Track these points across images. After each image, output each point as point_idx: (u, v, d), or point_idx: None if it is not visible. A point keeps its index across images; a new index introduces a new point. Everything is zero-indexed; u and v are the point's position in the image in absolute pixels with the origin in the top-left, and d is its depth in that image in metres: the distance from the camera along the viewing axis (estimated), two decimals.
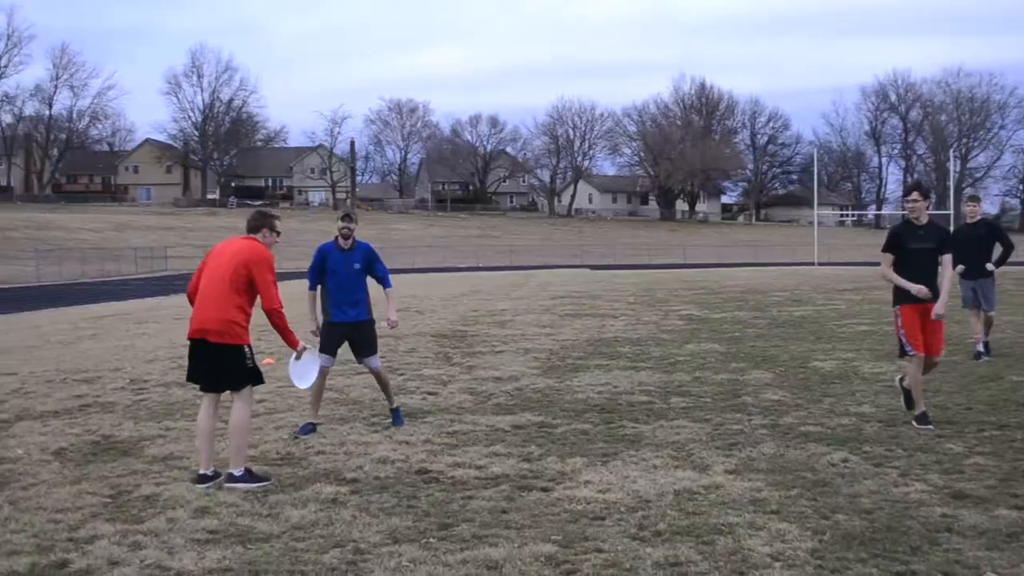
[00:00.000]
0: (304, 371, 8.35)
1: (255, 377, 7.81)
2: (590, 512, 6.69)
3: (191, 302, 7.95)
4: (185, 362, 8.29)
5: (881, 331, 18.08)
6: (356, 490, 7.38)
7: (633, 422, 9.92)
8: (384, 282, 10.22)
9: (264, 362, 14.87)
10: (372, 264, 10.05)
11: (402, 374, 13.74)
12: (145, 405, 11.50)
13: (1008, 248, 14.44)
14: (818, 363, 14.12)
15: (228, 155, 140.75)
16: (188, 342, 7.91)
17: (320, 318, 10.14)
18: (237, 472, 7.54)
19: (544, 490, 7.30)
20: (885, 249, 9.79)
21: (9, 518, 6.69)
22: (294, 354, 8.11)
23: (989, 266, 14.51)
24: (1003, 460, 7.99)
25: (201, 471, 7.66)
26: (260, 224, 7.98)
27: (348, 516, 6.64)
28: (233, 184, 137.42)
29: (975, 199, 15.76)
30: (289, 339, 7.96)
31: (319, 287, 10.08)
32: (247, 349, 7.74)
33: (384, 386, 10.36)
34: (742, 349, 15.99)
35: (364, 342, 10.03)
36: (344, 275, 9.86)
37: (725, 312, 23.79)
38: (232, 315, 7.62)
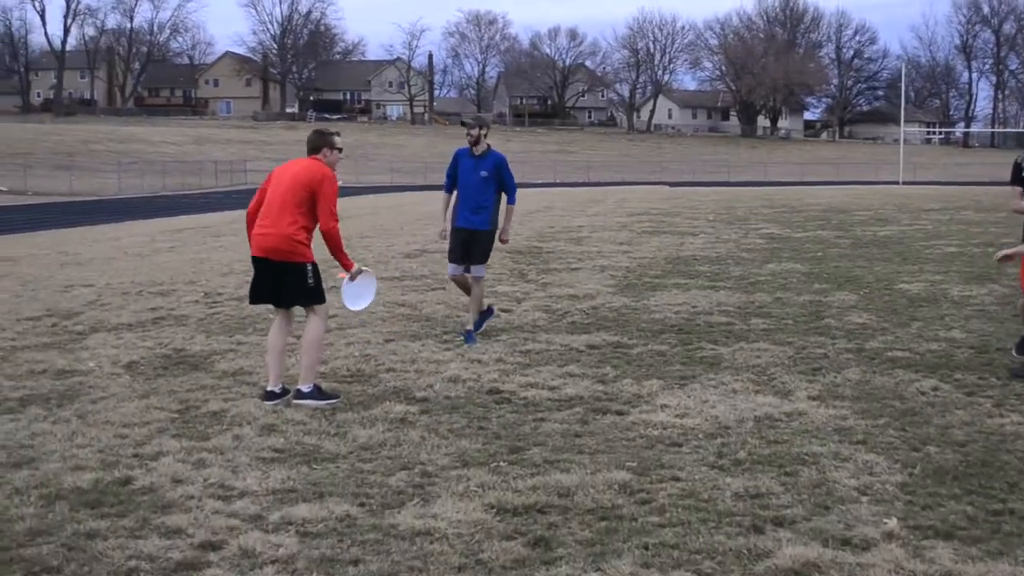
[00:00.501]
0: (358, 293, 8.14)
1: (315, 296, 7.61)
2: (666, 438, 6.44)
3: (250, 223, 7.74)
4: None
5: (970, 253, 17.51)
6: (426, 410, 7.21)
7: (712, 344, 9.62)
8: (509, 197, 10.15)
9: (339, 276, 14.80)
10: (501, 174, 9.95)
11: None
12: (218, 319, 11.44)
13: None
14: (905, 285, 13.66)
15: (307, 68, 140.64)
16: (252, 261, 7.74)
17: (449, 223, 10.23)
18: (305, 388, 7.40)
19: (619, 413, 7.07)
20: (1012, 182, 8.83)
21: (76, 432, 6.62)
22: (347, 275, 7.88)
23: None
24: None
25: (269, 388, 7.54)
26: (320, 143, 7.72)
27: (416, 437, 6.47)
28: (312, 97, 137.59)
29: None
30: (343, 260, 7.71)
31: (454, 192, 10.17)
32: (310, 268, 7.55)
33: (475, 300, 10.22)
34: (825, 269, 15.54)
35: (475, 249, 10.04)
36: (471, 181, 9.91)
37: (807, 231, 23.24)
38: (296, 234, 7.43)
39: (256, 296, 7.79)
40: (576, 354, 9.23)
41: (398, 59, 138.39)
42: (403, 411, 7.11)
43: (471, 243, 10.03)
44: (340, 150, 7.82)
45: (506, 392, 7.71)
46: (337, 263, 7.73)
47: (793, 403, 7.28)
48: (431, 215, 30.59)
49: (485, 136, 9.91)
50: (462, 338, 9.91)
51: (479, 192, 9.90)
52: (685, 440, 6.38)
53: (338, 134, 7.96)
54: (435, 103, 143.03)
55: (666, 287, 13.72)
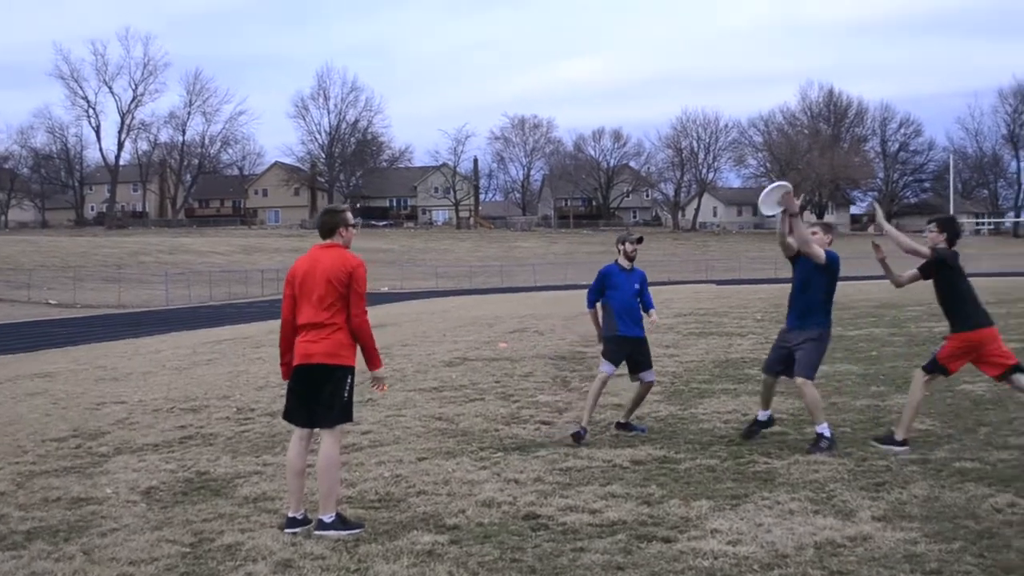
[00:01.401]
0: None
1: (347, 412, 7.14)
2: (719, 569, 5.85)
3: (285, 335, 7.29)
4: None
5: None
6: (456, 539, 6.65)
7: (765, 456, 9.01)
8: (648, 306, 10.76)
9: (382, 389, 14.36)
10: (643, 287, 10.74)
11: (516, 401, 13.00)
12: (247, 437, 11.00)
13: None
14: (967, 386, 12.95)
15: (354, 176, 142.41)
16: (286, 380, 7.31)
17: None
18: (327, 518, 6.89)
19: (666, 540, 6.48)
20: None
21: (78, 571, 6.15)
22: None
23: None
24: None
25: (290, 514, 7.06)
26: (335, 223, 7.31)
27: (444, 573, 5.92)
28: (359, 205, 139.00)
29: None
30: (375, 357, 7.21)
31: (596, 304, 10.79)
32: (350, 378, 7.10)
33: (638, 400, 10.84)
34: (881, 370, 14.88)
35: (645, 356, 10.69)
36: (628, 293, 10.57)
37: (859, 329, 22.54)
38: (340, 336, 7.01)
39: (291, 413, 7.31)
40: (620, 471, 8.65)
41: (444, 165, 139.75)
42: (431, 542, 6.56)
43: (639, 351, 10.62)
44: (354, 226, 7.41)
45: (543, 517, 7.14)
46: (369, 361, 7.22)
47: (856, 525, 6.65)
48: (475, 320, 30.26)
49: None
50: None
51: (635, 302, 10.63)
52: (739, 572, 5.79)
53: (347, 210, 7.55)
54: (480, 207, 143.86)
55: (715, 393, 13.14)
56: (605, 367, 10.46)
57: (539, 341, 22.03)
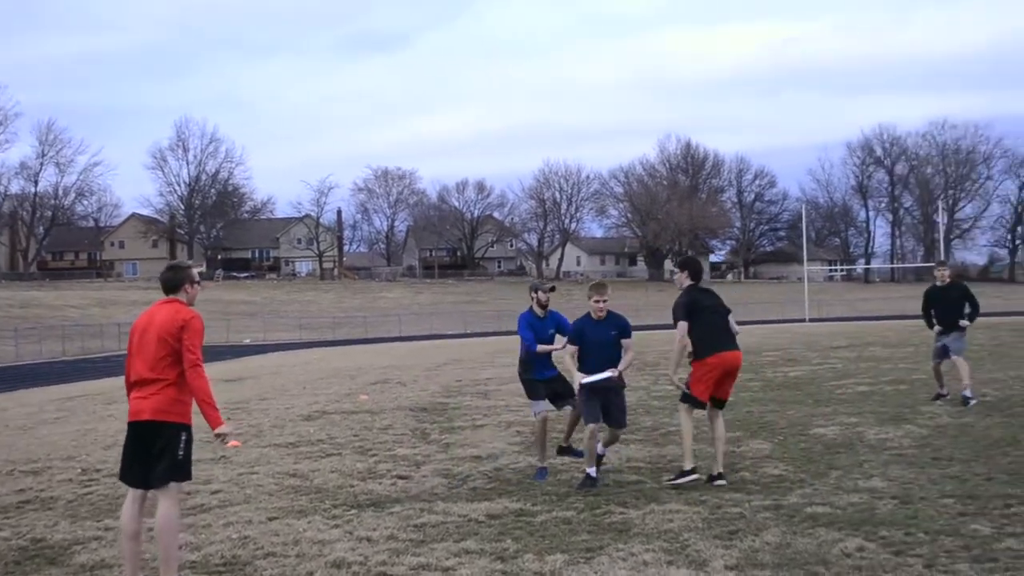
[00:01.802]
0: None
1: (181, 471, 6.83)
2: None
3: (129, 390, 7.02)
4: None
5: (882, 391, 17.21)
6: None
7: (621, 507, 8.96)
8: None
9: (229, 444, 13.97)
10: (560, 330, 11.09)
11: (373, 455, 12.73)
12: (89, 500, 10.51)
13: (976, 308, 15.77)
14: (820, 429, 13.20)
15: (214, 228, 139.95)
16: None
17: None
18: None
19: None
20: None
21: None
22: (221, 438, 7.09)
23: (963, 322, 15.64)
24: None
25: None
26: (179, 280, 7.06)
27: None
28: (220, 256, 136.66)
29: (943, 264, 17.09)
30: (211, 414, 6.87)
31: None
32: (184, 435, 6.80)
33: (573, 423, 11.07)
34: (737, 416, 15.04)
35: (565, 388, 10.99)
36: (542, 337, 11.00)
37: None
38: (170, 392, 6.72)
39: (126, 473, 6.97)
40: (475, 525, 8.49)
41: (307, 216, 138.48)
42: None
43: (557, 387, 11.05)
44: (199, 283, 7.17)
45: None
46: (206, 418, 6.92)
47: (709, 575, 6.62)
48: (336, 372, 29.83)
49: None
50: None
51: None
52: None
53: (191, 266, 7.30)
54: (345, 258, 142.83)
55: (573, 442, 13.05)
56: (536, 407, 10.86)
57: (401, 392, 21.78)
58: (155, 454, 6.72)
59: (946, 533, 7.48)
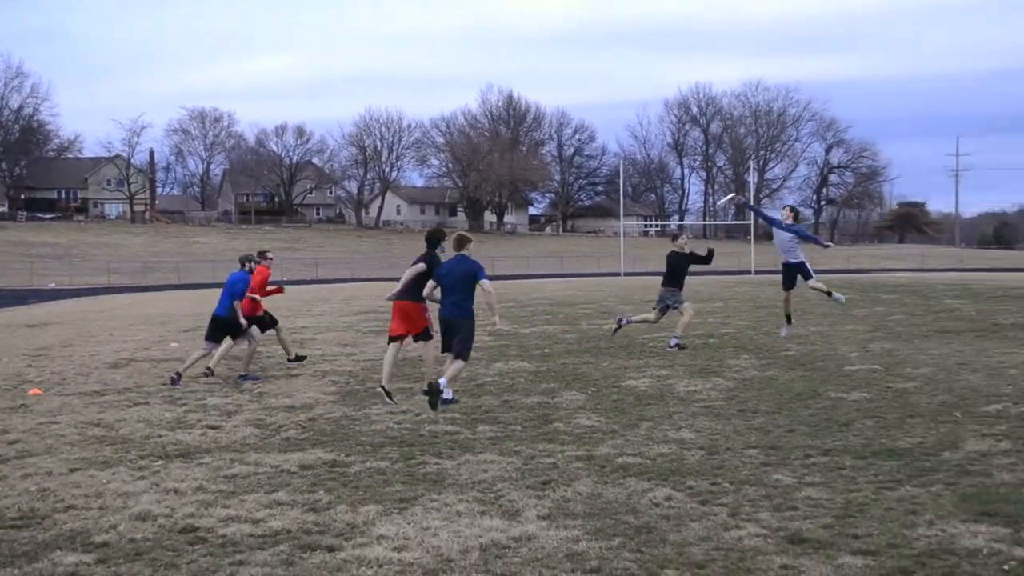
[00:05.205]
0: None
1: None
2: None
3: None
4: None
5: (692, 345, 17.65)
6: (104, 558, 6.17)
7: (436, 457, 8.95)
8: None
9: (30, 392, 13.39)
10: None
11: (183, 404, 12.39)
12: None
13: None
14: (632, 381, 13.47)
15: (18, 165, 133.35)
16: None
17: None
18: None
19: (330, 549, 6.26)
20: None
21: None
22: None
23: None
24: (835, 492, 7.37)
25: None
26: None
27: None
28: (23, 196, 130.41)
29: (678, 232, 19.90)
30: None
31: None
32: None
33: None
34: (552, 367, 15.26)
35: None
36: None
37: (534, 326, 23.10)
38: None
39: None
40: (287, 476, 8.35)
41: (117, 156, 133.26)
42: (75, 562, 6.06)
43: None
44: None
45: (202, 530, 6.76)
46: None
47: (522, 525, 6.67)
48: (147, 318, 28.94)
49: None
50: (161, 461, 8.91)
51: None
52: None
53: None
54: (157, 201, 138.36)
55: (391, 393, 13.00)
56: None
57: None
58: None
59: (750, 483, 7.73)
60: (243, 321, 14.99)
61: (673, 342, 17.33)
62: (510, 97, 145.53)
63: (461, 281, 11.69)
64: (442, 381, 11.14)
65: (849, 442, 9.19)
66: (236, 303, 15.03)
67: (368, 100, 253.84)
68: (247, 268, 15.46)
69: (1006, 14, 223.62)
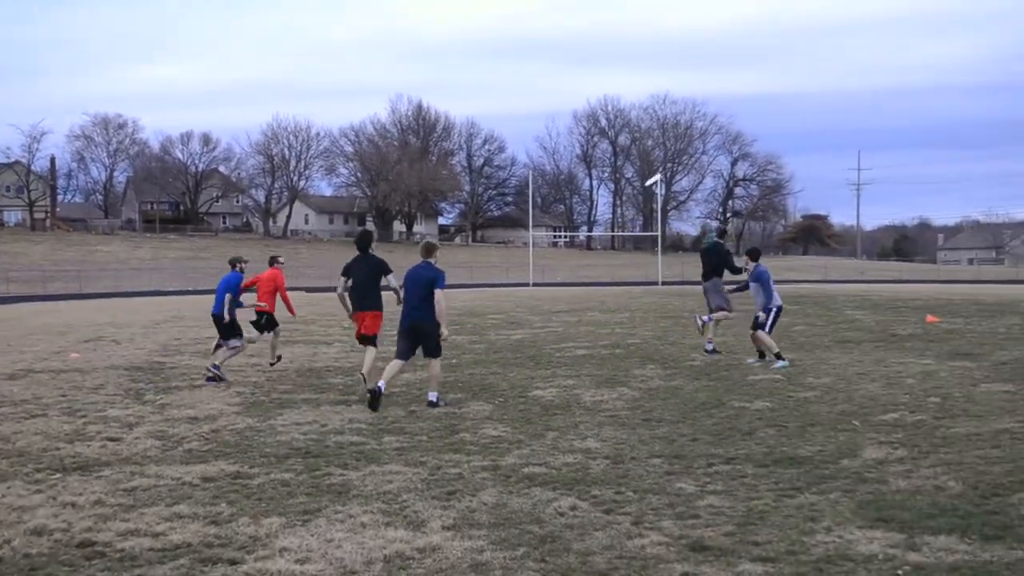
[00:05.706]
0: None
1: None
2: None
3: None
4: None
5: (599, 355, 17.80)
6: None
7: (341, 468, 8.88)
8: None
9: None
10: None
11: (83, 416, 12.13)
12: None
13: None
14: (539, 391, 13.54)
15: None
16: None
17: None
18: None
19: (232, 562, 6.18)
20: None
21: None
22: None
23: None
24: (737, 500, 7.48)
25: None
26: None
27: None
28: None
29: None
30: None
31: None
32: None
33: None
34: (460, 377, 15.26)
35: None
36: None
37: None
38: None
39: None
40: (189, 489, 8.22)
41: (16, 162, 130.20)
42: None
43: None
44: None
45: (100, 544, 6.61)
46: None
47: (427, 535, 6.65)
48: (45, 328, 28.28)
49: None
50: (59, 475, 8.70)
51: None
52: None
53: None
54: (58, 208, 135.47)
55: (295, 404, 12.91)
56: None
57: (115, 351, 20.88)
58: None
59: (654, 492, 7.81)
60: (228, 317, 15.73)
61: (707, 318, 17.96)
62: (419, 106, 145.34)
63: (423, 287, 12.51)
64: (432, 395, 12.53)
65: (751, 450, 9.35)
66: (228, 296, 15.77)
67: (276, 108, 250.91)
68: (239, 269, 16.26)
69: (904, 34, 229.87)
